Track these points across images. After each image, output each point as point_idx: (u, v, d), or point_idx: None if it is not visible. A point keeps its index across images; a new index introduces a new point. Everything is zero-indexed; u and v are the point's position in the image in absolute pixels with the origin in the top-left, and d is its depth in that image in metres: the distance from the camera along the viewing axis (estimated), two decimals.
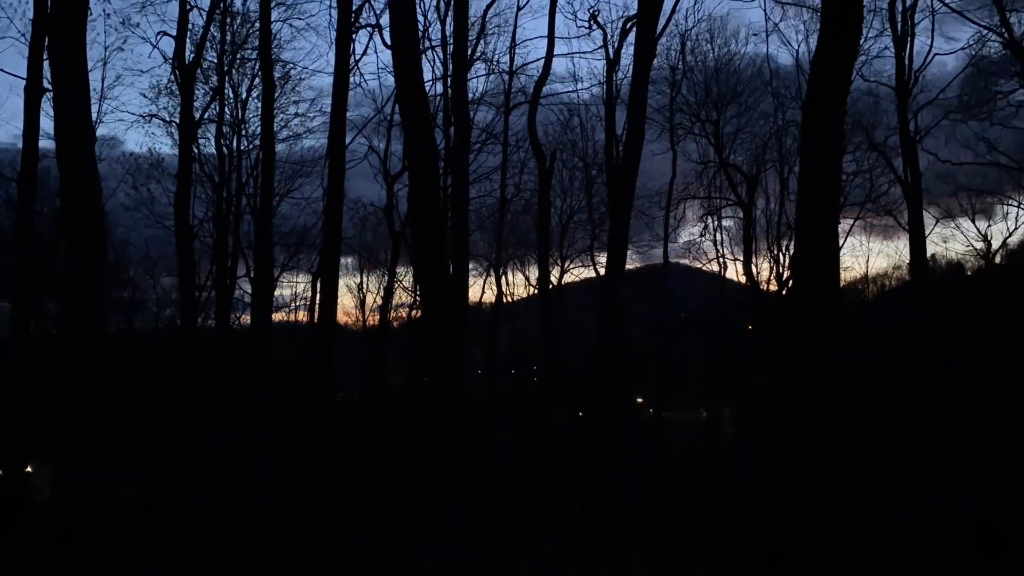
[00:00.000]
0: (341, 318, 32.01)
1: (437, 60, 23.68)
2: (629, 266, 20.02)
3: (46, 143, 18.31)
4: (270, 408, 20.38)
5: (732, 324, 30.64)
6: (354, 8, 17.74)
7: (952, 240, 51.25)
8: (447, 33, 22.41)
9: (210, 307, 26.52)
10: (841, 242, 21.90)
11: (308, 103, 42.55)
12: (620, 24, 22.47)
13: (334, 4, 19.75)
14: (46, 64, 15.35)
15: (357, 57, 21.46)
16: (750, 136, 27.47)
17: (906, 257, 24.20)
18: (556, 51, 26.60)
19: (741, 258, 28.15)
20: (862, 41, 16.91)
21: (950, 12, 19.75)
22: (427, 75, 25.15)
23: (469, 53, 20.40)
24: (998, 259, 26.22)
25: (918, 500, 15.98)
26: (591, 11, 22.81)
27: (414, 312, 29.79)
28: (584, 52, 43.15)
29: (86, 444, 10.21)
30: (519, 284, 36.05)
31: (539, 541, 10.88)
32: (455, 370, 12.21)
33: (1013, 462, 15.62)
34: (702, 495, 18.46)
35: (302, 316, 32.48)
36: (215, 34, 23.10)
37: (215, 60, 23.72)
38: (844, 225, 26.59)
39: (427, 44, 22.49)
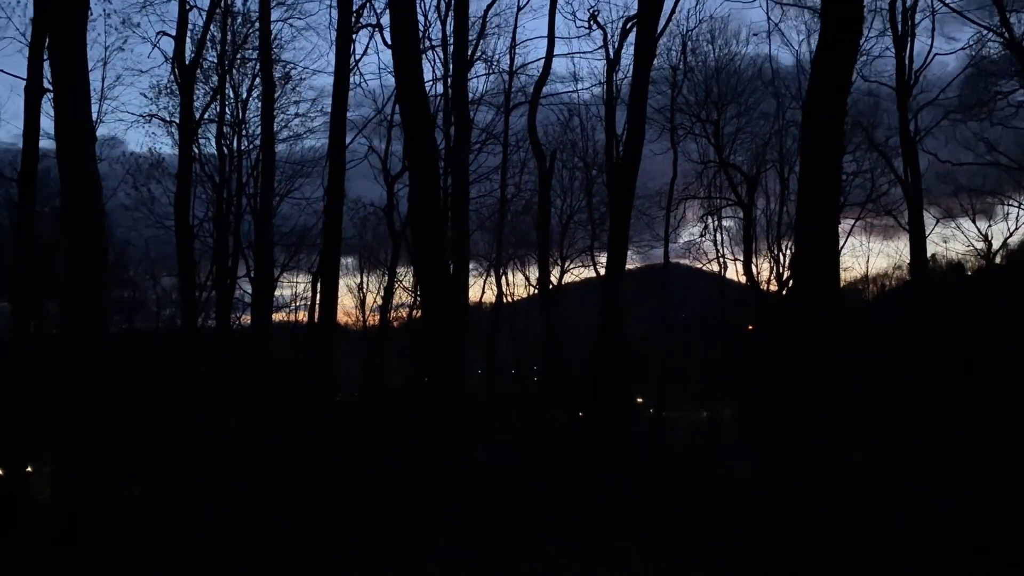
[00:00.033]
0: (341, 318, 32.09)
1: (437, 60, 23.72)
2: (629, 266, 20.05)
3: (46, 143, 18.32)
4: (270, 408, 20.38)
5: (732, 324, 30.65)
6: (354, 8, 17.74)
7: (952, 240, 51.31)
8: (447, 33, 22.44)
9: (210, 307, 26.51)
10: (841, 242, 21.96)
11: (309, 103, 42.71)
12: (620, 24, 22.49)
13: (334, 4, 19.75)
14: (46, 64, 15.36)
15: (357, 57, 21.49)
16: (750, 136, 27.53)
17: (906, 257, 24.22)
18: (556, 51, 26.65)
19: (741, 258, 28.19)
20: (862, 41, 16.92)
21: (950, 12, 19.77)
22: (427, 75, 25.20)
23: (469, 53, 20.39)
24: (998, 259, 26.24)
25: (918, 500, 15.97)
26: (591, 11, 22.81)
27: (414, 312, 29.82)
28: (584, 52, 43.24)
29: (86, 444, 10.21)
30: (519, 284, 36.10)
31: (539, 541, 10.88)
32: (455, 370, 12.21)
33: (1013, 462, 15.62)
34: (702, 495, 18.44)
35: (302, 316, 32.54)
36: (215, 34, 23.13)
37: (215, 60, 23.73)
38: (844, 225, 26.66)
39: (427, 44, 22.52)
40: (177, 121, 22.41)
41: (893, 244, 67.75)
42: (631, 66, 15.93)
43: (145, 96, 35.63)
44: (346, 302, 61.81)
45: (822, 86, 8.76)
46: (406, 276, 29.72)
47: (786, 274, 26.64)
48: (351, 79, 16.98)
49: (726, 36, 35.70)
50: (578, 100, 43.24)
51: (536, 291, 28.73)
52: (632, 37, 18.72)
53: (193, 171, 22.19)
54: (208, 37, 22.23)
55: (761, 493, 10.33)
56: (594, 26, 22.46)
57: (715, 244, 30.77)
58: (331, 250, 16.74)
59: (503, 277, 31.01)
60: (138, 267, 33.07)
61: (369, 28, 20.41)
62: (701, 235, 30.07)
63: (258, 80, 23.59)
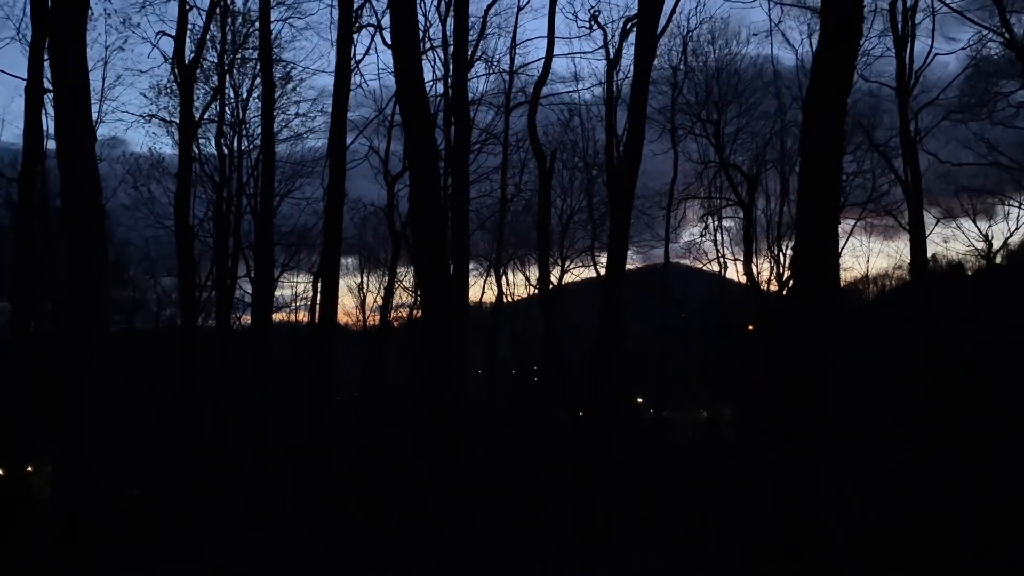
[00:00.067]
0: (341, 318, 32.03)
1: (437, 60, 23.72)
2: (629, 266, 20.01)
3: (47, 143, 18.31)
4: (270, 408, 20.38)
5: (732, 324, 30.62)
6: (355, 7, 17.74)
7: (953, 240, 51.11)
8: (447, 33, 22.42)
9: (210, 307, 26.52)
10: (842, 242, 22.00)
11: (309, 103, 42.48)
12: (620, 24, 22.45)
13: (334, 4, 19.71)
14: (47, 64, 15.36)
15: (358, 58, 21.45)
16: (751, 136, 27.48)
17: (906, 257, 24.22)
18: (556, 51, 26.69)
19: (741, 258, 28.16)
20: (863, 41, 16.91)
21: (951, 12, 19.73)
22: (427, 75, 25.23)
23: (469, 53, 20.39)
24: (999, 259, 26.23)
25: (918, 500, 15.95)
26: (591, 11, 22.82)
27: (414, 312, 29.79)
28: (584, 52, 43.09)
29: (86, 444, 10.22)
30: (519, 284, 36.08)
31: (539, 541, 10.89)
32: (455, 370, 12.23)
33: (1013, 462, 15.61)
34: (702, 495, 18.43)
35: (302, 316, 32.55)
36: (215, 34, 23.16)
37: (215, 60, 23.75)
38: (845, 226, 26.62)
39: (427, 44, 22.52)
40: (177, 121, 22.43)
41: (893, 244, 67.68)
42: (631, 66, 15.95)
43: (145, 96, 35.66)
44: (346, 302, 61.80)
45: (822, 86, 8.77)
46: (406, 276, 29.77)
47: (786, 274, 26.63)
48: (352, 79, 17.00)
49: (727, 36, 35.76)
50: (578, 100, 43.18)
51: (536, 291, 28.73)
52: (632, 37, 18.75)
53: (193, 171, 22.21)
54: (208, 37, 22.29)
55: (761, 493, 10.32)
56: (594, 26, 22.47)
57: (715, 244, 30.73)
58: (331, 250, 16.75)
59: (503, 277, 31.02)
60: (138, 267, 33.14)
61: (370, 28, 20.47)
62: (701, 235, 30.07)
63: (258, 80, 23.62)
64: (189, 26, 21.13)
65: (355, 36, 17.73)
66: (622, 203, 15.82)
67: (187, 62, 21.21)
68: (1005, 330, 19.48)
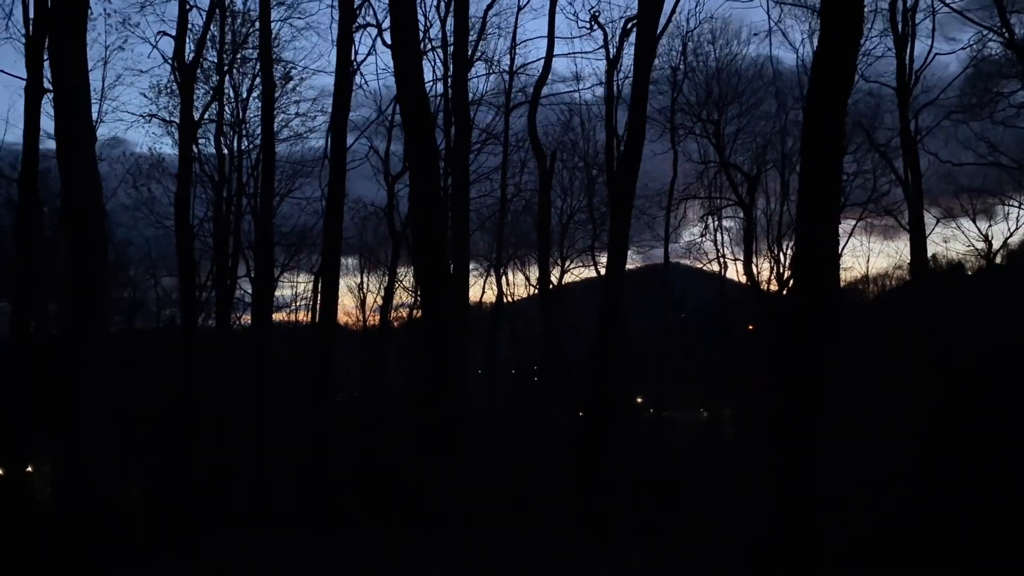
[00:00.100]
0: (342, 318, 32.10)
1: (437, 60, 23.70)
2: (630, 266, 20.05)
3: (47, 143, 18.34)
4: (270, 408, 20.39)
5: (732, 324, 30.65)
6: (355, 7, 17.74)
7: (953, 240, 51.29)
8: (447, 33, 22.41)
9: (210, 307, 26.51)
10: (842, 242, 22.03)
11: (309, 103, 42.59)
12: (621, 24, 22.48)
13: (335, 4, 19.71)
14: (46, 64, 15.37)
15: (359, 58, 21.47)
16: (751, 136, 27.54)
17: (907, 257, 24.25)
18: (557, 51, 26.70)
19: (742, 258, 28.20)
20: (863, 42, 16.91)
21: (951, 12, 19.71)
22: (427, 75, 25.21)
23: (469, 53, 20.37)
24: (999, 259, 26.23)
25: (918, 500, 15.95)
26: (592, 11, 22.79)
27: (415, 312, 29.82)
28: (585, 52, 43.19)
29: (86, 444, 10.21)
30: (519, 284, 36.05)
31: (539, 541, 10.89)
32: (455, 370, 12.21)
33: (1013, 462, 15.60)
34: (702, 495, 18.44)
35: (302, 316, 32.56)
36: (215, 34, 23.15)
37: (215, 60, 23.75)
38: (845, 225, 26.66)
39: (427, 44, 22.50)
40: (177, 121, 22.43)
41: (893, 244, 67.84)
42: (631, 66, 15.95)
43: (145, 96, 35.74)
44: (346, 302, 61.94)
45: (822, 86, 8.76)
46: (406, 276, 29.77)
47: (786, 274, 26.64)
48: (352, 80, 17.01)
49: (727, 36, 35.80)
50: (579, 100, 43.19)
51: (536, 291, 28.74)
52: (632, 37, 18.74)
53: (193, 171, 22.21)
54: (208, 37, 22.26)
55: (761, 493, 10.33)
56: (595, 26, 22.45)
57: (715, 244, 30.82)
58: (332, 250, 16.76)
59: (503, 277, 31.05)
60: (138, 267, 33.13)
61: (370, 28, 20.46)
62: (701, 235, 30.15)
63: (258, 80, 23.61)
64: (189, 26, 21.16)
65: (356, 36, 17.74)
66: (622, 203, 15.82)
67: (187, 62, 21.21)
68: (1005, 330, 19.48)
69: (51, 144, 20.39)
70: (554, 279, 28.46)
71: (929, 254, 24.32)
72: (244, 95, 25.27)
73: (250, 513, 18.52)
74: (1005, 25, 19.61)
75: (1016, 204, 24.94)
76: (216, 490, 20.19)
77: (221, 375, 23.73)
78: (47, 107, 16.44)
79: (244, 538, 12.08)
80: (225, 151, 25.21)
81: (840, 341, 11.19)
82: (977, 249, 26.24)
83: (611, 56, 22.79)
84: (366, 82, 49.67)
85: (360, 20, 19.12)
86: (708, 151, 27.42)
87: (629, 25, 21.36)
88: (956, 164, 23.50)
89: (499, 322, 30.80)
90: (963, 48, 28.11)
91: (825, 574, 8.55)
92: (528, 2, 48.90)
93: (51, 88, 11.78)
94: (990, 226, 37.89)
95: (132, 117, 36.44)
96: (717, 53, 26.94)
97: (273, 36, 20.83)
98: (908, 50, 21.80)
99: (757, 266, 28.13)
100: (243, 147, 25.46)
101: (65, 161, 10.55)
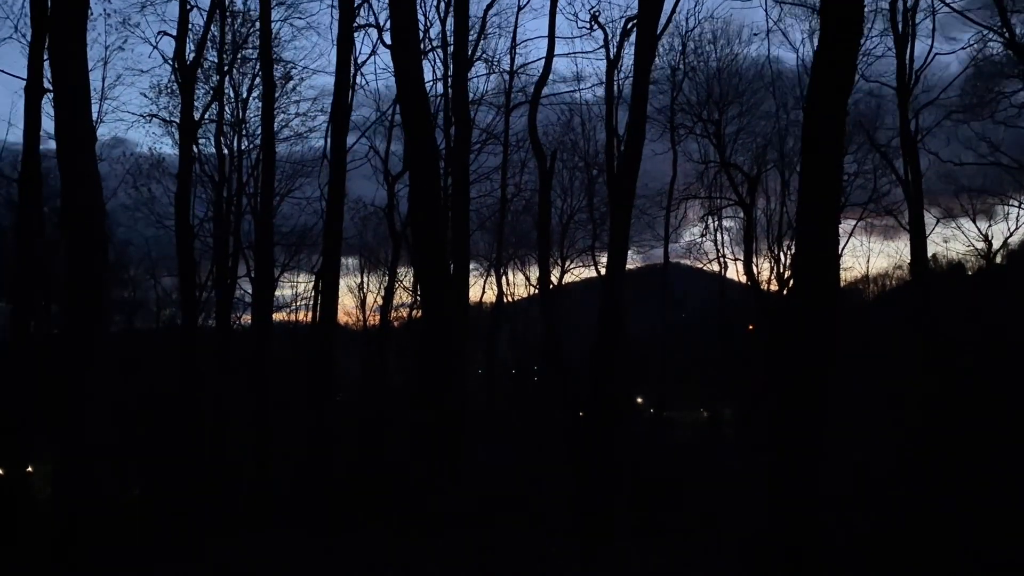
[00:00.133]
0: (342, 318, 32.10)
1: (437, 60, 23.72)
2: (630, 266, 20.02)
3: (47, 143, 18.33)
4: (270, 408, 20.39)
5: (732, 324, 30.63)
6: (355, 7, 17.74)
7: (953, 240, 51.20)
8: (447, 33, 22.43)
9: (210, 307, 26.52)
10: (842, 242, 22.08)
11: (309, 103, 42.67)
12: (621, 24, 22.47)
13: (335, 4, 19.70)
14: (46, 64, 15.35)
15: (359, 59, 21.48)
16: (751, 136, 27.56)
17: (907, 257, 24.23)
18: (557, 51, 26.57)
19: (742, 258, 28.20)
20: (864, 41, 16.91)
21: (951, 12, 19.71)
22: (427, 75, 25.22)
23: (469, 53, 20.38)
24: (999, 259, 26.23)
25: (918, 500, 15.94)
26: (592, 11, 22.82)
27: (415, 312, 29.80)
28: (585, 52, 43.23)
29: (86, 444, 10.21)
30: (519, 284, 36.08)
31: (539, 541, 10.88)
32: (455, 370, 12.22)
33: (1013, 462, 15.60)
34: (702, 495, 18.42)
35: (302, 316, 32.55)
36: (215, 34, 23.15)
37: (215, 60, 23.77)
38: (845, 225, 26.69)
39: (428, 44, 22.51)
40: (177, 121, 22.44)
41: (894, 244, 67.85)
42: (632, 66, 15.92)
43: (145, 96, 35.72)
44: (346, 302, 61.94)
45: (822, 86, 8.75)
46: (406, 276, 29.77)
47: (786, 274, 26.64)
48: (353, 79, 17.01)
49: (727, 36, 35.81)
50: (579, 100, 43.13)
51: (536, 291, 28.75)
52: (633, 37, 18.73)
53: (193, 171, 22.23)
54: (208, 37, 22.27)
55: (761, 493, 10.32)
56: (595, 26, 22.44)
57: (715, 244, 30.83)
58: (332, 250, 16.76)
59: (503, 277, 31.06)
60: (138, 267, 33.16)
61: (370, 28, 20.48)
62: (701, 235, 30.15)
63: (258, 80, 23.63)
64: (189, 26, 21.17)
65: (356, 36, 17.74)
66: (622, 203, 15.79)
67: (188, 62, 21.22)
68: (1005, 330, 19.48)
69: (51, 144, 20.41)
70: (554, 279, 28.48)
71: (929, 254, 24.34)
72: (244, 95, 25.33)
73: (250, 513, 18.50)
74: (1005, 25, 19.62)
75: (1016, 204, 24.98)
76: (216, 490, 20.17)
77: (221, 375, 23.73)
78: (47, 107, 16.41)
79: (244, 538, 12.09)
80: (225, 151, 25.26)
81: (840, 341, 11.19)
82: (977, 249, 26.29)
83: (611, 56, 22.79)
84: (367, 82, 49.61)
85: (360, 20, 19.17)
86: (708, 151, 27.47)
87: (629, 25, 21.36)
88: (957, 164, 23.54)
89: (499, 322, 30.81)
90: (963, 48, 28.15)
91: (825, 574, 8.55)
92: (528, 2, 48.90)
93: (51, 88, 11.76)
94: (990, 226, 37.90)
95: (132, 117, 36.54)
96: (717, 53, 27.00)
97: (273, 36, 20.86)
98: (908, 50, 21.80)
99: (757, 266, 28.16)
100: (243, 147, 25.51)
101: (65, 161, 10.55)
